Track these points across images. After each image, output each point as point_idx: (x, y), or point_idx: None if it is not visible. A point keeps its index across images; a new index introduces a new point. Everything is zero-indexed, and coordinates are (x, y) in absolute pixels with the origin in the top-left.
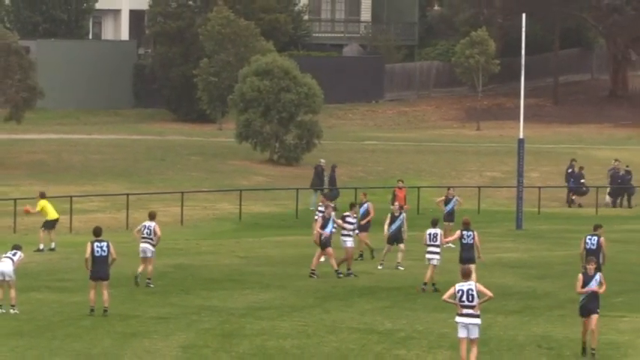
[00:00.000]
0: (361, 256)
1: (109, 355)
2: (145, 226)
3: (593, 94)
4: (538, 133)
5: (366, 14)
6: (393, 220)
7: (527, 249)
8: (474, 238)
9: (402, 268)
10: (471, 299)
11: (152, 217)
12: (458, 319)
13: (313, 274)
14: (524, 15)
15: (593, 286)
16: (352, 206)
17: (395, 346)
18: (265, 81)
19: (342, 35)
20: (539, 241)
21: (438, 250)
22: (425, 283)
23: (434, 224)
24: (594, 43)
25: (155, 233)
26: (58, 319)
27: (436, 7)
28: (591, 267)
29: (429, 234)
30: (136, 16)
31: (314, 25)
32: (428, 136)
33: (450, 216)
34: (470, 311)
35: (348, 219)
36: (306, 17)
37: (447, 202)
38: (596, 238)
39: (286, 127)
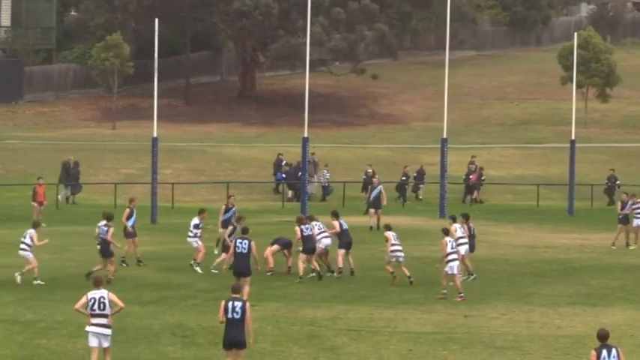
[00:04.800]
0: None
1: None
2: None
3: (222, 95)
4: (171, 131)
5: (5, 19)
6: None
7: (161, 242)
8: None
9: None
10: (102, 308)
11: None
12: (89, 328)
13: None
14: (156, 20)
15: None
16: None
17: (36, 336)
18: None
19: None
20: (173, 235)
21: None
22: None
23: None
24: (224, 46)
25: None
26: None
27: (73, 12)
28: (238, 294)
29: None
30: None
31: None
32: (66, 135)
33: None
34: (101, 320)
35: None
36: None
37: (226, 210)
38: (246, 241)
39: None
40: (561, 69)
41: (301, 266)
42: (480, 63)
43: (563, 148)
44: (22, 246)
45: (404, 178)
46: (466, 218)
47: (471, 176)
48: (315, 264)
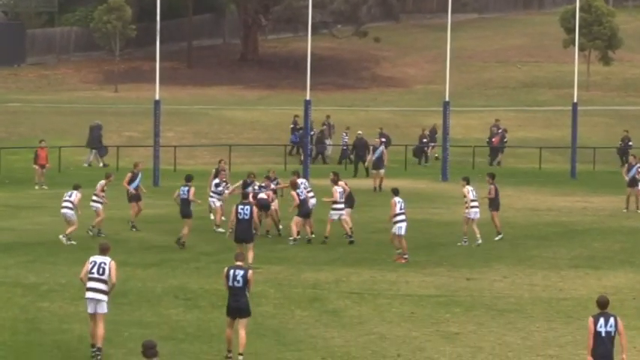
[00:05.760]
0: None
1: None
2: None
3: (225, 58)
4: (173, 94)
5: None
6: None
7: (165, 204)
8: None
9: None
10: (101, 272)
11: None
12: (88, 294)
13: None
14: None
15: (231, 282)
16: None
17: (39, 299)
18: None
19: None
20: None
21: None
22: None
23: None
24: (226, 9)
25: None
26: None
27: None
28: (240, 263)
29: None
30: None
31: None
32: (68, 98)
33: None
34: (98, 285)
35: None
36: None
37: (216, 175)
38: (248, 207)
39: None
40: (563, 32)
41: (294, 229)
42: (482, 26)
43: (565, 111)
44: (65, 204)
45: (424, 140)
46: (492, 177)
47: (493, 139)
48: (308, 229)
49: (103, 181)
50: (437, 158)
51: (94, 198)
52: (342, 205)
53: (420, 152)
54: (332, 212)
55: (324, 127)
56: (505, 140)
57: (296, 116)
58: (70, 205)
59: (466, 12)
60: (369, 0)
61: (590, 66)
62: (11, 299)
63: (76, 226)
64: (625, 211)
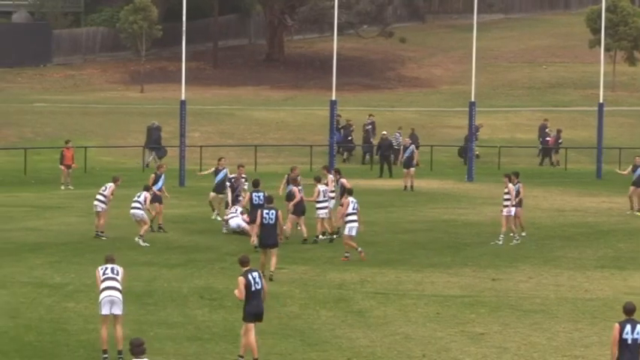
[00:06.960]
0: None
1: None
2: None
3: (250, 58)
4: (199, 95)
5: None
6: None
7: (190, 205)
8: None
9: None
10: (116, 272)
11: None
12: (104, 293)
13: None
14: None
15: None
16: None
17: (64, 299)
18: None
19: (12, 2)
20: (201, 198)
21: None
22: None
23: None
24: (252, 9)
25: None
26: None
27: None
28: (250, 265)
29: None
30: None
31: None
32: (94, 98)
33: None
34: (116, 284)
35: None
36: None
37: (217, 173)
38: (273, 212)
39: None
40: (589, 32)
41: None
42: (508, 26)
43: (591, 111)
44: (135, 204)
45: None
46: (517, 176)
47: (548, 138)
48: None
49: (112, 185)
50: (477, 156)
51: (101, 198)
52: (325, 204)
53: (466, 152)
54: (319, 212)
55: (369, 126)
56: (560, 141)
57: (338, 115)
58: (139, 205)
59: (492, 12)
60: (395, 0)
61: (615, 66)
62: (37, 299)
63: (148, 225)
64: (629, 213)
